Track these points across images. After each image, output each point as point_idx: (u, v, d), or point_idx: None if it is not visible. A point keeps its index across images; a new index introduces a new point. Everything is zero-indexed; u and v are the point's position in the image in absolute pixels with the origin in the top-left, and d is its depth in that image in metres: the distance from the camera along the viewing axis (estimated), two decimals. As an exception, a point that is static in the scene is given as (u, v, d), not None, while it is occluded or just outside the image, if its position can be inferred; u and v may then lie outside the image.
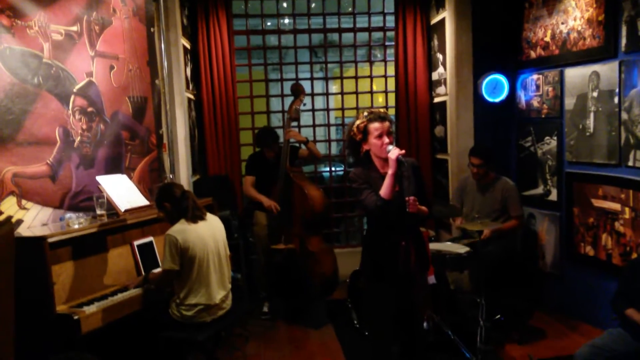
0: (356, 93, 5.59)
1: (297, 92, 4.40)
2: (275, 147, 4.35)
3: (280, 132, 4.52)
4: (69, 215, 3.04)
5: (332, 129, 5.83)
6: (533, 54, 4.39)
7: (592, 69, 3.79)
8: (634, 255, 3.47)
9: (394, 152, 2.60)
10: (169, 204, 3.10)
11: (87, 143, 3.40)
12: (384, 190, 2.63)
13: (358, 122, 2.76)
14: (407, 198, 2.59)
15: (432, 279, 3.55)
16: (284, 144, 4.28)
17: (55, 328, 2.68)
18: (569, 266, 4.16)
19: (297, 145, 4.45)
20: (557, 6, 4.10)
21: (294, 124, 4.54)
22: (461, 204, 4.29)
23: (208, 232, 3.12)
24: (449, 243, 4.09)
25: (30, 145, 2.99)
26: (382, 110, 2.82)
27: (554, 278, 4.31)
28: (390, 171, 2.61)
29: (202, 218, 3.13)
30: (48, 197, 3.10)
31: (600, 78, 3.72)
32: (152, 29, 4.02)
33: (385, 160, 2.68)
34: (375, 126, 2.71)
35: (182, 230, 3.01)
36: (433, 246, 3.86)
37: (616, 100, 3.58)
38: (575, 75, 3.96)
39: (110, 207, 3.22)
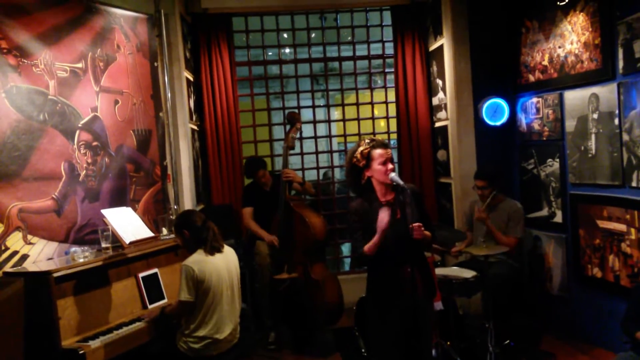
0: (358, 119, 5.63)
1: (293, 120, 4.42)
2: (265, 174, 4.40)
3: (278, 159, 4.52)
4: (74, 249, 3.05)
5: (335, 155, 5.86)
6: (532, 78, 4.43)
7: (591, 91, 3.82)
8: (642, 277, 3.45)
9: (392, 175, 2.60)
10: (188, 231, 3.08)
11: (92, 177, 3.43)
12: (369, 247, 2.63)
13: (361, 148, 2.72)
14: (411, 225, 2.58)
15: (439, 305, 3.51)
16: (281, 182, 4.29)
17: (61, 363, 2.66)
18: (577, 288, 4.12)
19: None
20: (553, 30, 4.16)
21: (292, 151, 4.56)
22: (471, 227, 4.29)
23: (223, 265, 3.08)
24: (455, 268, 4.07)
25: (36, 181, 3.03)
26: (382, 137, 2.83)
27: (562, 301, 4.27)
28: (379, 230, 2.58)
29: (220, 250, 3.10)
30: (53, 232, 3.12)
31: (599, 100, 3.75)
32: (155, 64, 4.09)
33: (387, 187, 2.69)
34: (379, 152, 2.69)
35: (199, 261, 2.99)
36: (439, 271, 3.84)
37: (616, 121, 3.60)
38: (574, 97, 3.99)
39: (115, 239, 3.24)
